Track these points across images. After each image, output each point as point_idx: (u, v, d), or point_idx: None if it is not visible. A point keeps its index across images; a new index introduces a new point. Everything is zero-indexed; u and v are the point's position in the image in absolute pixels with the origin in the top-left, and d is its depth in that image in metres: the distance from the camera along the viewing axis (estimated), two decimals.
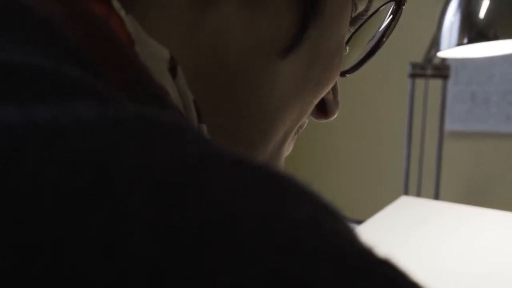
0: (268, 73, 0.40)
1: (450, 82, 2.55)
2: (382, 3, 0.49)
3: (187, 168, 0.21)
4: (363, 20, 0.49)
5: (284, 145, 0.46)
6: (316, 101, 0.45)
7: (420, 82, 2.31)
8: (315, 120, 0.49)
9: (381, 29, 0.49)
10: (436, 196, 2.21)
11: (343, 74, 0.49)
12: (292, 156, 0.53)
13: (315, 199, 0.23)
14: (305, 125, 0.47)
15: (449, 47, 1.49)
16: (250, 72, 0.39)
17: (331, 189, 2.37)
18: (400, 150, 2.38)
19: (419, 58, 2.24)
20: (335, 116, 0.49)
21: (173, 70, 0.36)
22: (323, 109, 0.48)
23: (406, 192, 2.20)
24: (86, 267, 0.18)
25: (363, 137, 2.78)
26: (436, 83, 2.32)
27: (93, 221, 0.19)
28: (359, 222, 1.16)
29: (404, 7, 0.49)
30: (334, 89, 0.49)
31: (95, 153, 0.20)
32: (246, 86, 0.40)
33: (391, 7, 0.49)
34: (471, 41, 1.44)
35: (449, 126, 2.46)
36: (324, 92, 0.45)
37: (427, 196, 2.15)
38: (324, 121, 0.49)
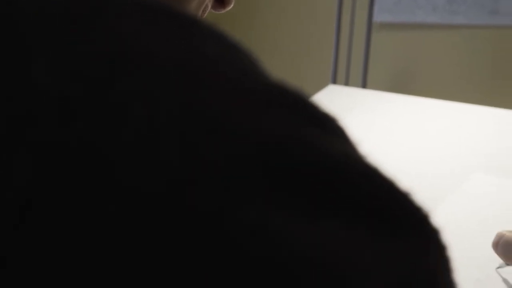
0: None
1: None
2: None
3: (95, 7, 0.21)
4: None
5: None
6: None
7: None
8: (215, 11, 0.50)
9: None
10: (364, 85, 2.23)
11: None
12: None
13: (224, 39, 0.24)
14: (208, 10, 0.48)
15: None
16: None
17: None
18: (329, 39, 2.38)
19: None
20: (231, 5, 0.49)
21: None
22: (221, 1, 0.49)
23: (335, 81, 2.22)
24: None
25: (292, 27, 2.76)
26: None
27: None
28: None
29: None
30: None
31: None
32: None
33: None
34: None
35: (377, 17, 2.46)
36: None
37: (355, 85, 2.17)
38: (222, 11, 0.50)
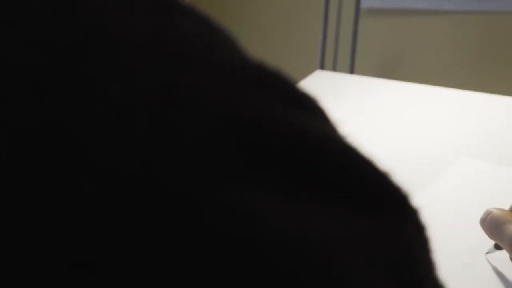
0: None
1: None
2: None
3: None
4: None
5: None
6: None
7: None
8: None
9: None
10: (351, 71, 2.23)
11: None
12: None
13: (203, 19, 0.24)
14: None
15: None
16: None
17: None
18: (316, 25, 2.37)
19: None
20: None
21: None
22: None
23: (322, 67, 2.21)
24: None
25: (280, 12, 2.76)
26: None
27: None
28: None
29: None
30: None
31: None
32: None
33: None
34: None
35: (365, 2, 2.45)
36: None
37: (342, 71, 2.17)
38: None
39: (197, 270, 0.18)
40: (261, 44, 2.77)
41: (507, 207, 0.61)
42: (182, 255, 0.18)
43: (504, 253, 0.60)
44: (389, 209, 0.22)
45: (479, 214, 0.61)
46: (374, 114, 1.03)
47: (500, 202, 0.63)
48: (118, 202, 0.18)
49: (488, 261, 0.62)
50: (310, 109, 0.24)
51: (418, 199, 0.78)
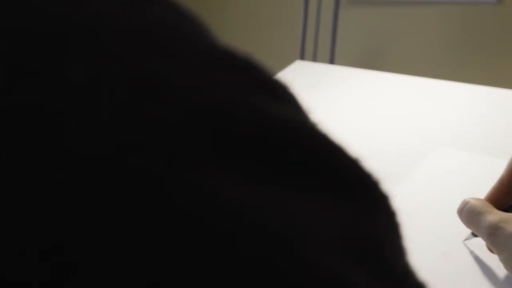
0: None
1: None
2: None
3: None
4: None
5: None
6: None
7: None
8: None
9: None
10: (332, 61, 2.24)
11: None
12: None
13: (174, 7, 0.24)
14: None
15: None
16: None
17: None
18: (297, 15, 2.37)
19: None
20: None
21: None
22: None
23: (302, 57, 2.21)
24: None
25: (260, 3, 2.75)
26: None
27: None
28: None
29: None
30: None
31: None
32: None
33: None
34: None
35: None
36: None
37: (322, 61, 2.17)
38: None
39: (162, 251, 0.18)
40: (242, 34, 2.77)
41: (483, 196, 0.62)
42: (148, 236, 0.18)
43: (480, 240, 0.60)
44: (359, 194, 0.23)
45: (457, 203, 0.62)
46: (354, 105, 1.03)
47: (478, 191, 0.64)
48: (88, 186, 0.18)
49: (467, 246, 0.63)
50: (282, 96, 0.24)
51: (397, 189, 0.78)
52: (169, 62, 0.20)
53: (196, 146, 0.19)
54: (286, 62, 1.35)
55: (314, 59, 2.27)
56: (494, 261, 0.60)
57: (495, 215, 0.56)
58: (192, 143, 0.19)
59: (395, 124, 0.94)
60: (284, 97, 0.24)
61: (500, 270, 0.60)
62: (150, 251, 0.18)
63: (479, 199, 0.61)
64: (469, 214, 0.59)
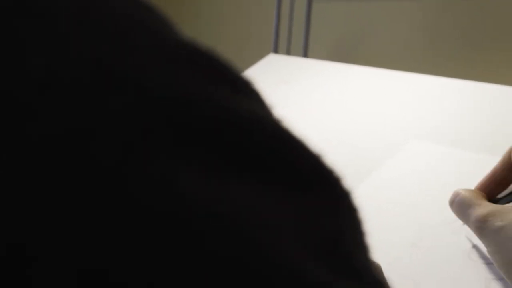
0: None
1: None
2: None
3: None
4: None
5: None
6: None
7: None
8: None
9: None
10: (305, 54, 2.24)
11: None
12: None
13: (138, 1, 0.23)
14: None
15: None
16: None
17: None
18: (270, 8, 2.37)
19: None
20: None
21: None
22: None
23: (276, 50, 2.22)
24: None
25: None
26: None
27: None
28: None
29: None
30: None
31: None
32: None
33: None
34: None
35: None
36: None
37: (296, 54, 2.18)
38: None
39: (115, 238, 0.18)
40: (215, 27, 2.76)
41: (454, 189, 0.62)
42: (101, 223, 0.18)
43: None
44: (319, 190, 0.23)
45: (427, 195, 0.62)
46: (327, 98, 1.03)
47: (448, 184, 0.65)
48: (42, 172, 0.18)
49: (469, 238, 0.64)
50: (243, 90, 0.24)
51: (368, 181, 0.78)
52: (131, 52, 0.21)
53: (152, 135, 0.20)
54: (259, 55, 1.35)
55: (288, 52, 2.27)
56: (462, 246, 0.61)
57: (483, 208, 0.57)
58: (148, 132, 0.19)
59: (368, 117, 0.95)
60: (246, 92, 0.24)
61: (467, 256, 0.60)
62: (100, 236, 0.18)
63: (470, 190, 0.61)
64: (459, 206, 0.60)
